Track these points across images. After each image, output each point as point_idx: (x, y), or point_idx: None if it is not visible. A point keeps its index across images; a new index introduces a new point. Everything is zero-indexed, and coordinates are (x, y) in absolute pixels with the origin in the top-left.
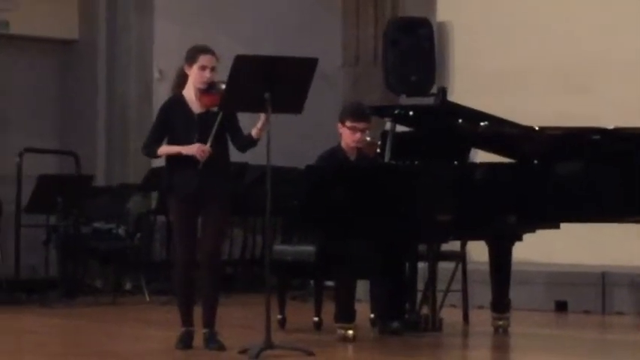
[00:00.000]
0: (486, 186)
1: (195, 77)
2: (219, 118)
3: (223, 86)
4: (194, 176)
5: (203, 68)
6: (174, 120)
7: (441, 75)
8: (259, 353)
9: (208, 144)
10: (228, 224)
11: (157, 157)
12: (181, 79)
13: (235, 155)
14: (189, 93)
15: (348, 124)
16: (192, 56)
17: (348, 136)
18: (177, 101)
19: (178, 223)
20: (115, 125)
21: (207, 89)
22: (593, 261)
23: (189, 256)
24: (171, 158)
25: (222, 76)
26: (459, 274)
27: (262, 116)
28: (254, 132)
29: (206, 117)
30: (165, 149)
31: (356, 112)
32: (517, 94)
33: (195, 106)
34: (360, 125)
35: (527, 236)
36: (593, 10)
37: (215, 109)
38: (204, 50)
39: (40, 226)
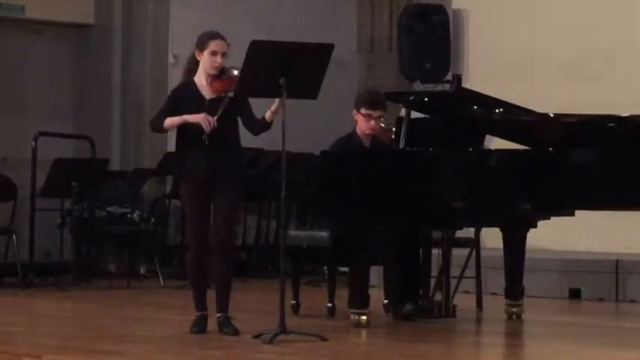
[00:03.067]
0: (501, 173)
1: (206, 63)
2: (226, 100)
3: (235, 72)
4: (204, 160)
5: (214, 54)
6: (185, 105)
7: (455, 62)
8: (273, 338)
9: (216, 116)
10: (240, 209)
11: (163, 130)
12: (192, 66)
13: (250, 141)
14: (200, 79)
15: (362, 111)
16: (202, 42)
17: (363, 124)
18: (188, 86)
19: (190, 208)
20: (129, 110)
21: (218, 75)
22: (608, 249)
23: (201, 240)
24: (181, 142)
25: (237, 61)
26: (472, 260)
27: (277, 100)
28: (267, 115)
29: (217, 102)
30: (170, 120)
31: (371, 100)
32: (532, 81)
33: (206, 91)
34: (375, 113)
35: (541, 223)
36: None
37: (229, 94)
38: (215, 36)
39: (55, 209)
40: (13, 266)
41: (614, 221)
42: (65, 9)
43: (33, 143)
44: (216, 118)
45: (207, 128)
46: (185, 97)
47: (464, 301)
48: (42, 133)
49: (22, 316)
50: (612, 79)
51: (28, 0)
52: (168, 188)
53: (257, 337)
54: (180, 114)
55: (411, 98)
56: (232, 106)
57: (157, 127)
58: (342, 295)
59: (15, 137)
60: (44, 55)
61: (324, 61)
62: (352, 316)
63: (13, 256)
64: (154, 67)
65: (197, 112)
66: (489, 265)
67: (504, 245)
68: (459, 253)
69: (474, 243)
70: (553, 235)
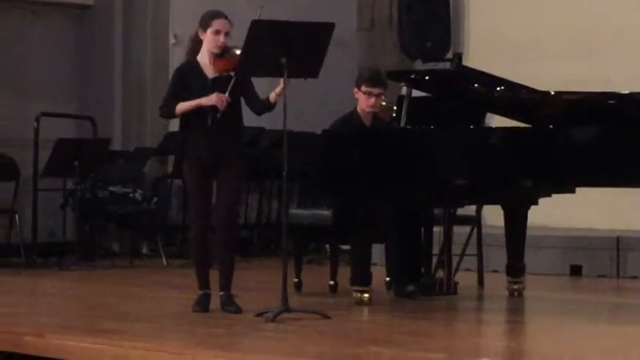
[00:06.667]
0: (502, 150)
1: (210, 42)
2: (232, 81)
3: (237, 51)
4: (207, 140)
5: (217, 33)
6: (189, 84)
7: (456, 41)
8: (276, 316)
9: (227, 93)
10: (242, 188)
11: (175, 116)
12: (195, 45)
13: (252, 120)
14: (203, 58)
15: (363, 89)
16: (205, 21)
17: (363, 101)
18: (191, 66)
19: (193, 188)
20: (131, 89)
21: (221, 54)
22: (608, 225)
23: (204, 220)
24: (184, 122)
25: (238, 41)
26: (474, 238)
27: (281, 81)
28: (272, 96)
29: (220, 81)
30: (182, 105)
31: (371, 78)
32: (533, 60)
33: (209, 70)
34: (375, 90)
35: (542, 200)
36: None
37: (230, 73)
38: (218, 15)
39: (58, 189)
40: (16, 246)
41: (615, 198)
42: None
43: (35, 124)
44: (227, 93)
45: (222, 107)
46: (189, 77)
47: (465, 279)
48: (44, 114)
49: (25, 296)
50: (613, 57)
51: None
52: (170, 168)
53: (260, 315)
54: (185, 93)
55: (412, 76)
56: (236, 85)
57: (169, 113)
58: (345, 273)
59: (17, 118)
60: (46, 36)
61: (325, 40)
62: (354, 294)
63: (16, 236)
64: (155, 47)
65: (201, 91)
66: (491, 242)
67: (505, 222)
68: (460, 231)
69: (476, 220)
70: (554, 212)
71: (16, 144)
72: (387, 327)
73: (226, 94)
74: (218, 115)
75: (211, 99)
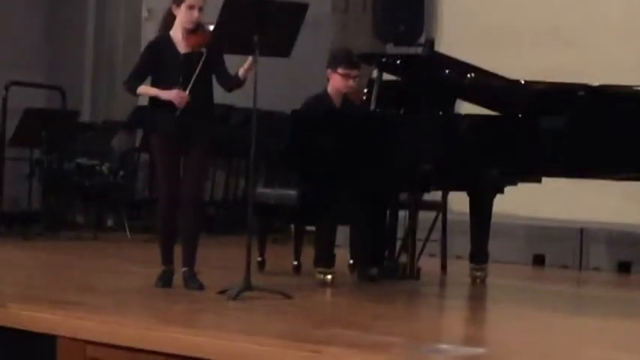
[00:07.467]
0: (470, 137)
1: (183, 17)
2: (201, 62)
3: (210, 27)
4: (176, 115)
5: (191, 7)
6: (160, 59)
7: (429, 26)
8: (238, 294)
9: (187, 91)
10: (210, 165)
11: (136, 95)
12: (168, 20)
13: (220, 97)
14: (177, 33)
15: (340, 70)
16: None
17: (340, 82)
18: (163, 41)
19: (161, 162)
20: (102, 62)
21: (194, 29)
22: (572, 216)
23: (171, 194)
24: (153, 98)
25: (211, 17)
26: (439, 223)
27: (250, 57)
28: (240, 72)
29: (191, 57)
30: (144, 89)
31: (349, 60)
32: (505, 49)
33: (182, 46)
34: (353, 72)
35: (508, 189)
36: None
37: (202, 49)
38: None
39: (24, 159)
40: None
41: (580, 189)
42: None
43: (4, 92)
44: (191, 84)
45: (179, 105)
46: (161, 52)
47: (429, 264)
48: (13, 83)
49: None
50: (585, 48)
51: None
52: (138, 141)
53: (222, 292)
54: (156, 69)
55: (384, 60)
56: (207, 62)
57: (131, 89)
58: (309, 253)
59: None
60: (18, 5)
61: (298, 20)
62: (317, 275)
63: None
64: (127, 21)
65: (172, 66)
66: (455, 229)
67: (470, 209)
68: (425, 217)
69: (441, 206)
70: (519, 201)
71: None
72: (349, 309)
73: (187, 91)
74: (177, 113)
75: (170, 94)
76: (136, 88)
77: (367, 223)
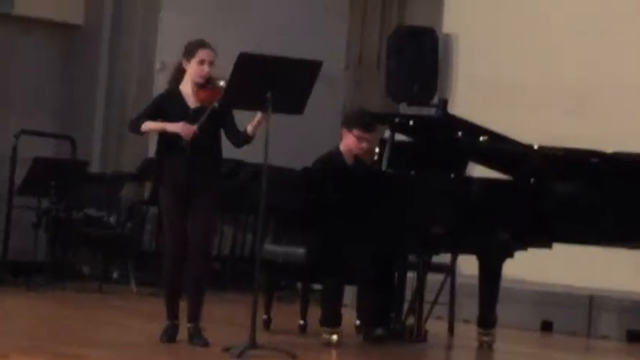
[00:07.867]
0: (481, 201)
1: (194, 71)
2: (210, 108)
3: (221, 82)
4: (184, 166)
5: (202, 62)
6: (169, 112)
7: (442, 86)
8: (242, 352)
9: (196, 126)
10: (217, 219)
11: (139, 132)
12: (178, 74)
13: (230, 152)
14: (186, 87)
15: (355, 132)
16: (190, 50)
17: (353, 143)
18: (173, 94)
19: (167, 213)
20: (113, 113)
21: (205, 84)
22: (582, 283)
23: (178, 248)
24: (161, 147)
25: (223, 71)
26: (447, 286)
27: (259, 113)
28: (249, 129)
29: (201, 112)
30: (149, 124)
31: (366, 123)
32: (518, 111)
33: (192, 100)
34: (369, 136)
35: (517, 253)
36: (600, 30)
37: (215, 104)
38: (203, 44)
39: (32, 208)
40: None
41: (590, 256)
42: (55, 7)
43: (14, 140)
44: (197, 126)
45: (187, 137)
46: (170, 105)
47: (436, 327)
48: (24, 131)
49: None
50: (598, 113)
51: None
52: (147, 194)
53: (227, 350)
54: (162, 121)
55: (396, 120)
56: (216, 116)
57: (135, 128)
58: (315, 312)
59: None
60: (31, 53)
61: (312, 77)
62: (323, 335)
63: None
64: (140, 72)
65: (180, 121)
66: (464, 292)
67: (480, 273)
68: (434, 278)
69: (450, 269)
70: (528, 266)
71: None
72: None
73: (196, 126)
74: (184, 147)
75: (177, 126)
76: (139, 125)
77: (375, 284)
